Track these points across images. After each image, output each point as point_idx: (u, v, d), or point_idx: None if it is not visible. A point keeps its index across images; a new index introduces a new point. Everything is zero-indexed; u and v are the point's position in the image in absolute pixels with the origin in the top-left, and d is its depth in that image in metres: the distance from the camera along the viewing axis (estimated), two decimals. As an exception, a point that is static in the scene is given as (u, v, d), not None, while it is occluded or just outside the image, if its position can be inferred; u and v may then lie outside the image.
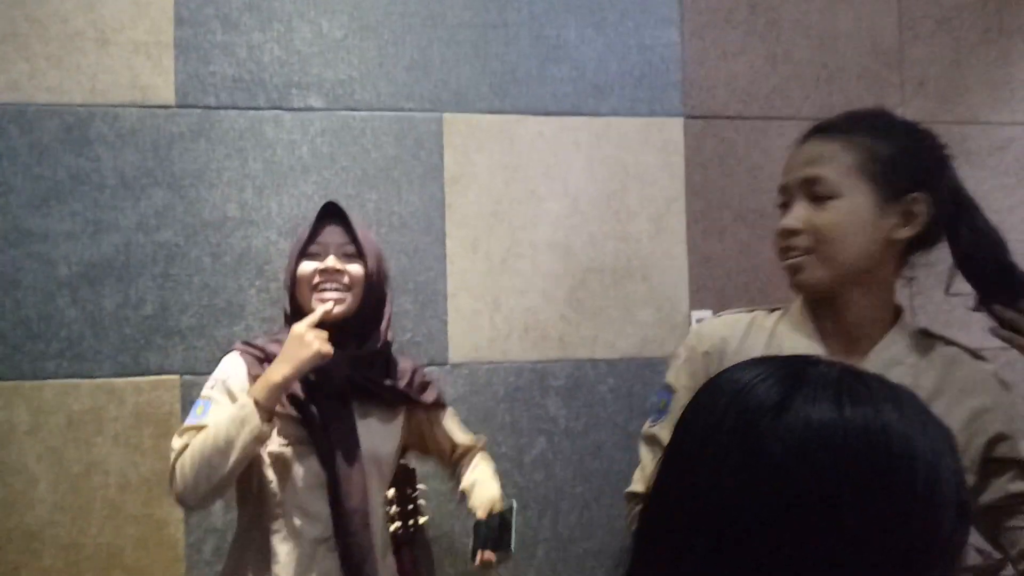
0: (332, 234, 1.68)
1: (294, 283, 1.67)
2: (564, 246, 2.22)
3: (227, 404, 1.58)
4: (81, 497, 1.95)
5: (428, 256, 2.15)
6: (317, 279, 1.65)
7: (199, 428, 1.55)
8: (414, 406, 1.76)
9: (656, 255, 2.27)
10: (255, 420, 1.50)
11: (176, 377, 2.01)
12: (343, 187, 2.12)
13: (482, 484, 1.75)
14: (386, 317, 1.72)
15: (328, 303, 1.62)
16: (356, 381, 1.66)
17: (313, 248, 1.67)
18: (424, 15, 2.18)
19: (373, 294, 1.69)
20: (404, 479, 1.95)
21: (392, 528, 1.90)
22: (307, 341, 1.54)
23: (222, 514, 2.00)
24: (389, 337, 1.74)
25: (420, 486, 1.97)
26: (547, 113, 2.24)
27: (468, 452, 1.83)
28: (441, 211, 2.16)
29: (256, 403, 1.52)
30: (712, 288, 2.30)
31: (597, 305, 2.23)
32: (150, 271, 2.02)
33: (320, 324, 1.61)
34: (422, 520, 1.95)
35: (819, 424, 0.57)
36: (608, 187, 2.26)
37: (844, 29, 2.41)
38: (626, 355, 2.23)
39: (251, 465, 1.59)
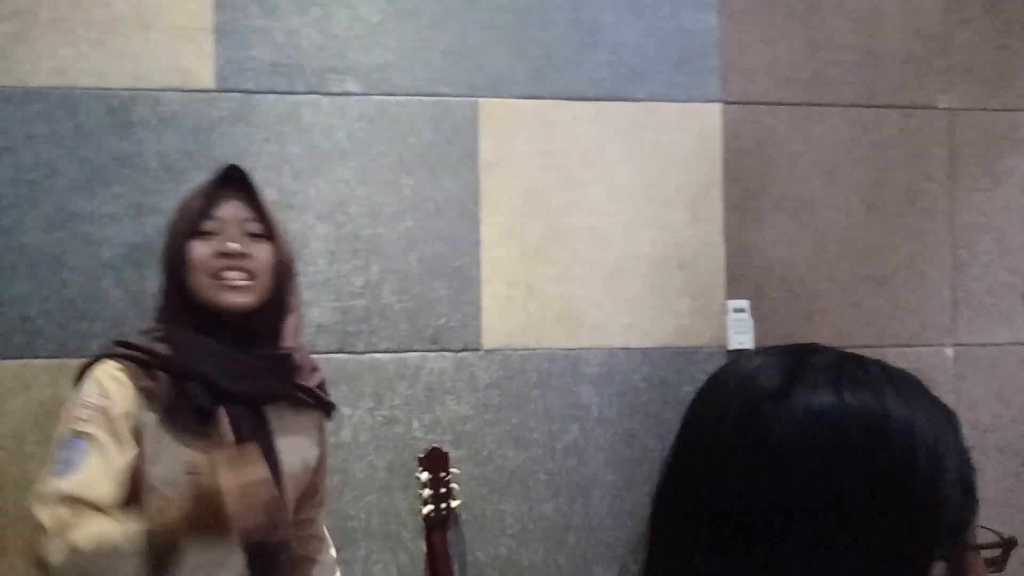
0: (232, 208, 1.37)
1: (180, 266, 1.36)
2: (600, 233, 2.21)
3: (114, 444, 1.26)
4: (123, 474, 2.00)
5: (463, 242, 2.16)
6: (216, 263, 1.34)
7: (70, 500, 1.21)
8: (322, 412, 1.51)
9: (692, 243, 2.25)
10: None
11: (215, 358, 2.04)
12: (379, 172, 2.13)
13: None
14: (295, 310, 1.45)
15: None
16: (278, 390, 1.40)
17: (208, 225, 1.36)
18: (461, 0, 2.18)
19: (283, 282, 1.41)
20: (438, 463, 1.96)
21: (425, 511, 1.92)
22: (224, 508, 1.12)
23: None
24: (296, 341, 1.44)
25: (453, 469, 1.99)
26: (584, 98, 2.23)
27: (312, 532, 1.57)
28: (476, 197, 2.17)
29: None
30: (749, 277, 2.27)
31: (632, 293, 2.22)
32: (190, 254, 2.06)
33: (220, 318, 1.34)
34: (454, 504, 1.97)
35: (819, 409, 0.58)
36: (645, 173, 2.24)
37: (888, 12, 2.35)
38: (661, 344, 2.21)
39: (138, 490, 1.30)
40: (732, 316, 2.24)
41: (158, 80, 2.07)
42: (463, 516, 2.10)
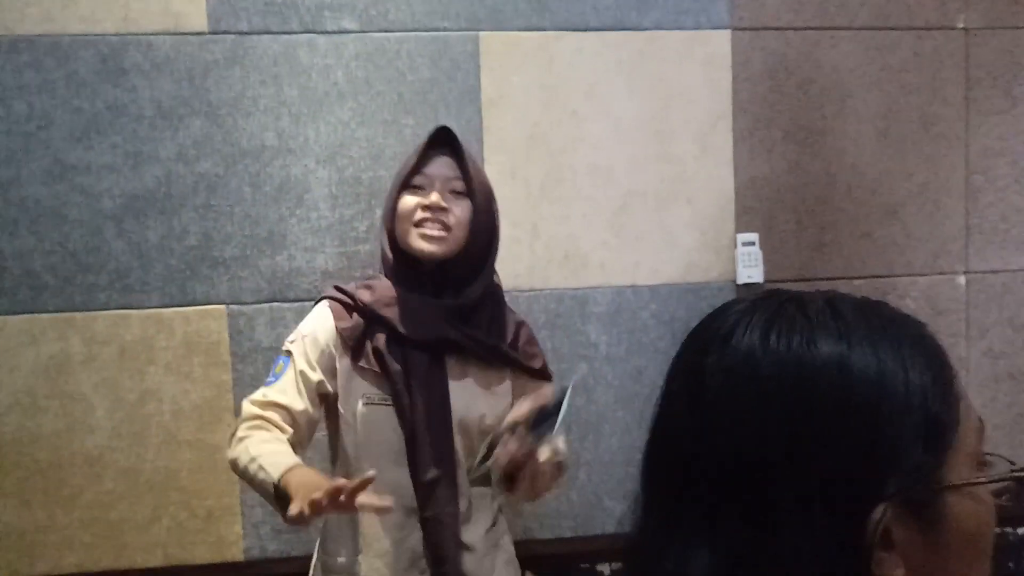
0: (440, 166, 1.52)
1: (393, 217, 1.52)
2: (605, 169, 2.17)
3: (306, 364, 1.48)
4: (137, 424, 2.02)
5: (467, 182, 2.12)
6: (419, 215, 1.49)
7: (267, 406, 1.45)
8: (519, 371, 1.58)
9: (700, 176, 2.21)
10: (271, 500, 1.37)
11: (222, 307, 2.04)
12: (379, 112, 2.08)
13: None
14: (490, 266, 1.57)
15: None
16: (451, 336, 1.50)
17: (417, 179, 1.52)
18: (458, -72, 2.09)
19: (479, 237, 1.53)
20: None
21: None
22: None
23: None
24: (491, 290, 1.57)
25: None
26: (587, 28, 2.15)
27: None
28: (479, 135, 2.12)
29: (278, 489, 1.34)
30: (759, 211, 2.23)
31: (639, 230, 2.19)
32: (191, 202, 2.03)
33: (417, 265, 1.49)
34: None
35: (744, 354, 0.57)
36: (651, 106, 2.18)
37: (905, -71, 2.25)
38: (669, 280, 2.19)
39: (335, 426, 1.52)
40: (741, 250, 2.21)
41: (149, 24, 2.01)
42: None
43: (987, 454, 0.59)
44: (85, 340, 2.00)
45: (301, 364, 1.49)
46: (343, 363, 1.51)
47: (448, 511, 1.48)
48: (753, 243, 2.22)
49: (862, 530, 0.53)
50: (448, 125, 1.58)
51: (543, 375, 1.60)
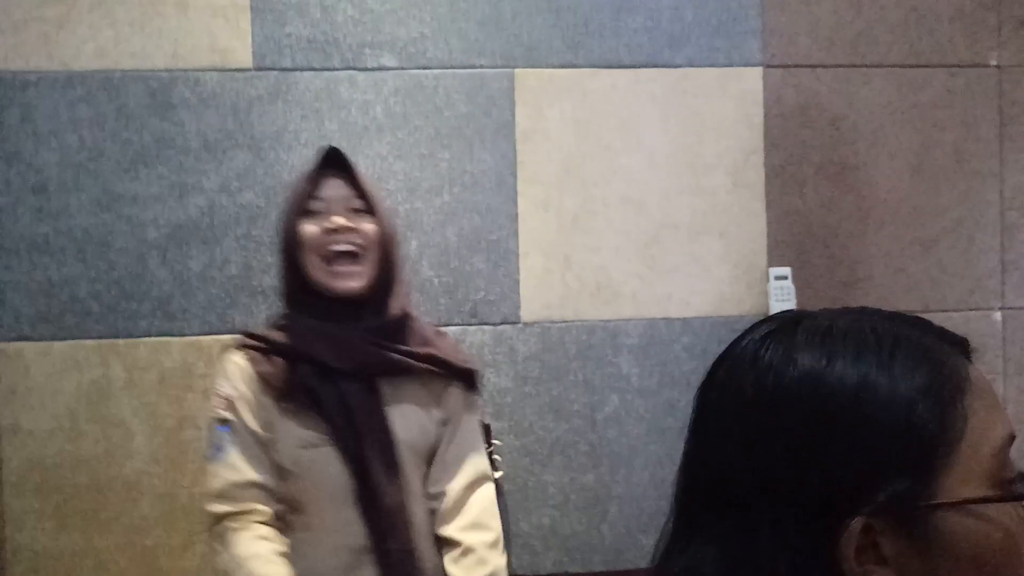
0: (335, 187, 1.44)
1: (293, 247, 1.43)
2: (638, 202, 2.20)
3: (245, 427, 1.40)
4: (174, 449, 2.05)
5: (500, 215, 2.15)
6: (323, 239, 1.40)
7: (230, 496, 1.39)
8: (453, 377, 1.49)
9: (733, 210, 2.22)
10: None
11: (260, 335, 2.08)
12: (416, 147, 2.13)
13: None
14: (402, 281, 1.50)
15: None
16: (383, 356, 1.42)
17: (314, 204, 1.43)
18: (495, -31, 2.16)
19: (389, 252, 1.46)
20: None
21: None
22: None
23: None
24: (407, 306, 1.50)
25: (495, 441, 2.01)
26: (621, 65, 2.19)
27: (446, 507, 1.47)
28: (513, 169, 2.16)
29: None
30: (791, 244, 2.24)
31: (671, 262, 2.20)
32: (233, 232, 2.08)
33: (332, 301, 1.40)
34: (497, 475, 1.99)
35: (735, 372, 0.59)
36: (684, 140, 2.21)
37: (937, -31, 2.28)
38: (701, 313, 2.20)
39: (276, 471, 1.42)
40: (774, 284, 2.21)
41: (197, 60, 2.08)
42: (506, 487, 2.12)
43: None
44: (126, 366, 2.05)
45: (242, 430, 1.40)
46: (269, 408, 1.42)
47: (406, 540, 1.41)
48: (786, 277, 2.22)
49: (837, 543, 0.53)
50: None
51: (472, 375, 1.51)
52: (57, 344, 2.03)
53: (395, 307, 1.47)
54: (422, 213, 2.13)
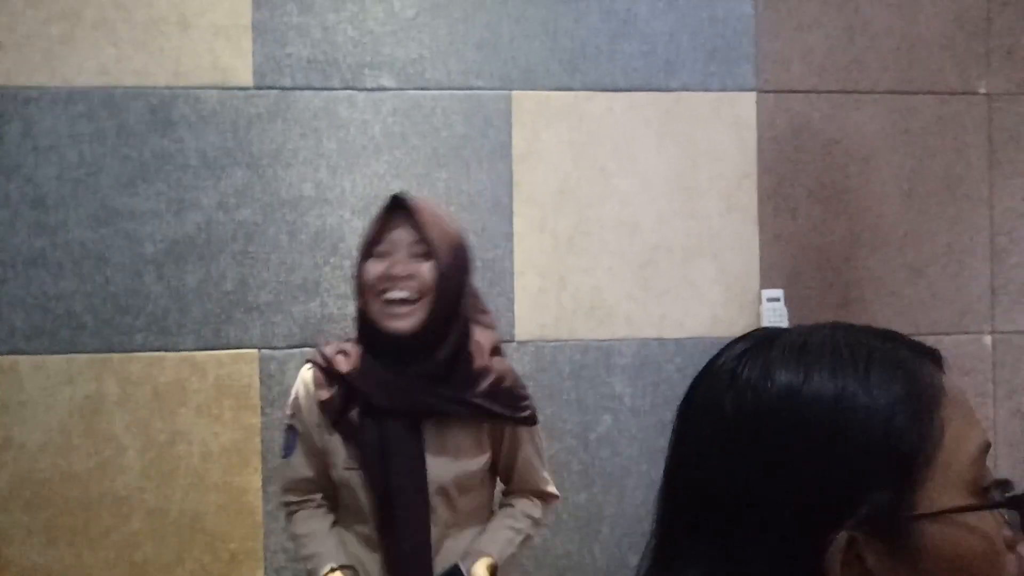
0: (399, 232, 1.51)
1: (360, 285, 1.53)
2: (632, 224, 2.22)
3: (305, 439, 1.57)
4: (166, 465, 2.05)
5: (496, 234, 2.17)
6: (383, 285, 1.49)
7: (293, 482, 1.59)
8: (498, 419, 1.55)
9: (726, 233, 2.25)
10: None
11: (255, 351, 2.09)
12: (413, 167, 2.15)
13: (492, 532, 1.56)
14: (461, 321, 1.54)
15: None
16: (428, 402, 1.50)
17: (381, 247, 1.51)
18: (493, -7, 2.19)
19: (446, 296, 1.50)
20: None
21: None
22: None
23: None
24: (466, 343, 1.54)
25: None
26: (617, 89, 2.23)
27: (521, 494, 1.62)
28: (509, 190, 2.18)
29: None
30: (783, 267, 2.26)
31: (665, 284, 2.22)
32: (230, 248, 2.10)
33: (387, 339, 1.48)
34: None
35: (712, 390, 0.59)
36: (678, 163, 2.24)
37: (926, -2, 2.32)
38: (694, 334, 2.21)
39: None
40: (766, 306, 2.23)
41: (198, 78, 2.10)
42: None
43: (1000, 481, 0.57)
44: (120, 381, 2.05)
45: (305, 436, 1.57)
46: (323, 428, 1.55)
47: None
48: (778, 299, 2.24)
49: (822, 557, 0.54)
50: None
51: (528, 422, 1.57)
52: (51, 358, 2.03)
53: (447, 350, 1.51)
54: (418, 232, 2.14)
